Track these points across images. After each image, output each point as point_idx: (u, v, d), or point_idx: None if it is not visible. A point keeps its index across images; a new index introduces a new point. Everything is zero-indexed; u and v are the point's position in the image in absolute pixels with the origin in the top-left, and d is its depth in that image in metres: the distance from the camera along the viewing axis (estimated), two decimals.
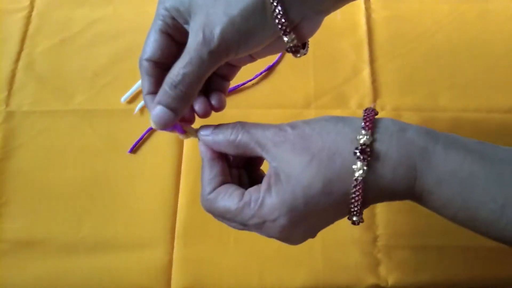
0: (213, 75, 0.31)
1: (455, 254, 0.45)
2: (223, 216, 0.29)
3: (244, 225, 0.29)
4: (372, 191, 0.26)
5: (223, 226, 0.46)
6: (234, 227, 0.30)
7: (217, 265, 0.45)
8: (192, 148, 0.50)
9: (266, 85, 0.53)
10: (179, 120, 0.29)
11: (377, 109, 0.52)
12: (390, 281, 0.45)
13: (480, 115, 0.51)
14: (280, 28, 0.27)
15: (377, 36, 0.56)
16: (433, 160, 0.25)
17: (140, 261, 0.45)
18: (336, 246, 0.46)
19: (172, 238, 0.46)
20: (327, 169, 0.26)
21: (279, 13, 0.26)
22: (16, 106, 0.52)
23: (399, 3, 0.58)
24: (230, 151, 0.30)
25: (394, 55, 0.55)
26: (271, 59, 0.54)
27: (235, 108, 0.52)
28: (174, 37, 0.29)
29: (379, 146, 0.26)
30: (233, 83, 0.52)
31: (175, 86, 0.27)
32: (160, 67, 0.29)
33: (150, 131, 0.50)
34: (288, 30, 0.27)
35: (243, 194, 0.28)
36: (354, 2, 0.57)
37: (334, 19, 0.56)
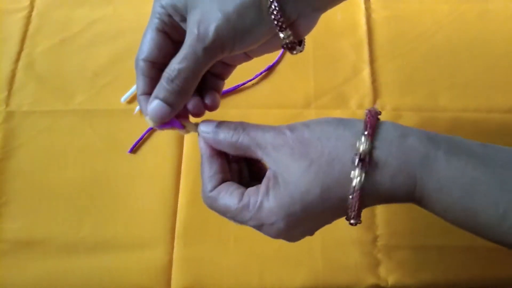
0: (208, 73, 0.31)
1: (455, 254, 0.45)
2: (223, 214, 0.29)
3: (243, 224, 0.29)
4: (370, 197, 0.26)
5: (223, 226, 0.47)
6: (235, 223, 0.30)
7: (217, 265, 0.45)
8: (192, 148, 0.50)
9: (266, 85, 0.53)
10: (174, 116, 0.29)
11: (377, 109, 0.52)
12: (390, 281, 0.45)
13: (480, 115, 0.51)
14: (276, 24, 0.27)
15: (377, 36, 0.56)
16: (434, 166, 0.25)
17: (140, 261, 0.45)
18: (336, 246, 0.46)
19: (172, 238, 0.46)
20: (326, 175, 0.26)
21: (275, 9, 0.26)
22: (16, 106, 0.52)
23: (399, 3, 0.58)
24: (230, 151, 0.30)
25: (394, 55, 0.55)
26: (271, 59, 0.54)
27: (235, 108, 0.52)
28: (171, 35, 0.29)
29: (378, 154, 0.26)
30: (233, 83, 0.53)
31: (171, 80, 0.27)
32: (156, 67, 0.29)
33: (150, 131, 0.50)
34: (284, 27, 0.27)
35: (242, 195, 0.28)
36: (354, 2, 0.57)
37: (334, 19, 0.56)
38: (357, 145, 0.26)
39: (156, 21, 0.28)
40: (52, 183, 0.49)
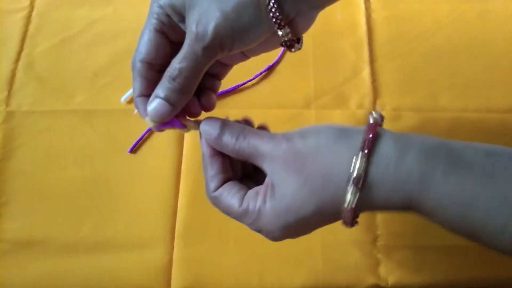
0: (204, 74, 0.31)
1: (455, 254, 0.45)
2: (227, 214, 0.30)
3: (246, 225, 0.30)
4: (364, 210, 0.26)
5: (223, 226, 0.47)
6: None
7: (217, 265, 0.45)
8: (192, 148, 0.50)
9: (266, 85, 0.53)
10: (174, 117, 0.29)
11: (377, 109, 0.52)
12: (390, 281, 0.45)
13: (480, 115, 0.51)
14: (274, 22, 0.27)
15: (377, 36, 0.56)
16: (431, 185, 0.25)
17: (140, 261, 0.45)
18: (336, 246, 0.46)
19: (172, 238, 0.46)
20: (321, 191, 0.26)
21: (273, 7, 0.26)
22: (16, 106, 0.52)
23: (399, 3, 0.58)
24: (231, 155, 0.29)
25: (394, 55, 0.55)
26: (271, 59, 0.54)
27: (235, 108, 0.52)
28: (169, 36, 0.29)
29: (374, 174, 0.25)
30: (233, 83, 0.52)
31: (173, 79, 0.27)
32: (154, 69, 0.29)
33: (150, 131, 0.50)
34: (282, 24, 0.27)
35: (242, 199, 0.28)
36: (354, 2, 0.57)
37: (334, 19, 0.56)
38: (353, 164, 0.25)
39: (154, 21, 0.28)
40: (52, 183, 0.49)
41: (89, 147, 0.50)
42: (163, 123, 0.29)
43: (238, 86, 0.53)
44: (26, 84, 0.53)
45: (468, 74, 0.54)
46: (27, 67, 0.54)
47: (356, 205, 0.25)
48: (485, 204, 0.24)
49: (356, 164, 0.25)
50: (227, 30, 0.26)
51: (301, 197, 0.26)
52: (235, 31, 0.27)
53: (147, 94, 0.29)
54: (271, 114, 0.51)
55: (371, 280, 0.45)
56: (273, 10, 0.26)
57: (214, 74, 0.33)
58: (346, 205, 0.25)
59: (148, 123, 0.29)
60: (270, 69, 0.54)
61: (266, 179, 0.28)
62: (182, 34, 0.28)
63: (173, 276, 0.45)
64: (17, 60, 0.54)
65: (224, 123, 0.29)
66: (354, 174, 0.25)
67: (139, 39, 0.29)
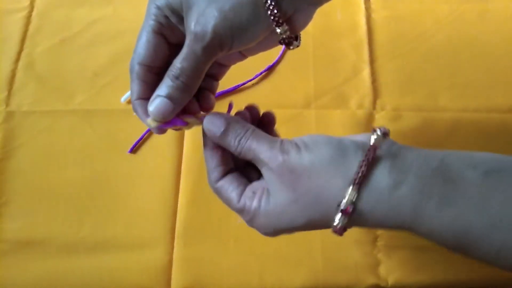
0: None
1: (455, 254, 0.45)
2: (227, 205, 0.30)
3: None
4: (356, 227, 0.27)
5: (223, 226, 0.47)
6: None
7: (217, 265, 0.45)
8: (192, 148, 0.50)
9: (266, 85, 0.53)
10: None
11: (377, 109, 0.52)
12: (390, 281, 0.45)
13: (480, 115, 0.51)
14: (272, 20, 0.27)
15: (377, 36, 0.56)
16: (424, 216, 0.25)
17: (140, 261, 0.45)
18: (336, 246, 0.46)
19: (172, 238, 0.46)
20: (312, 210, 0.27)
21: (271, 4, 0.26)
22: (16, 106, 0.52)
23: (399, 3, 0.58)
24: (233, 153, 0.30)
25: (394, 55, 0.55)
26: (271, 59, 0.54)
27: (235, 108, 0.51)
28: (167, 37, 0.29)
29: (364, 204, 0.25)
30: (233, 83, 0.52)
31: (176, 77, 0.27)
32: (152, 71, 0.29)
33: (150, 131, 0.50)
34: (280, 22, 0.27)
35: (240, 196, 0.29)
36: (354, 2, 0.57)
37: (334, 19, 0.57)
38: (343, 193, 0.25)
39: (152, 22, 0.28)
40: (52, 183, 0.49)
41: (89, 147, 0.50)
42: (164, 122, 0.29)
43: (238, 86, 0.53)
44: (26, 84, 0.53)
45: (468, 74, 0.54)
46: (27, 67, 0.54)
47: (346, 225, 0.26)
48: (479, 231, 0.24)
49: (346, 195, 0.25)
50: (226, 29, 0.26)
51: (293, 211, 0.27)
52: (234, 30, 0.27)
53: (145, 97, 0.29)
54: None
55: (371, 280, 0.45)
56: (271, 7, 0.26)
57: (211, 75, 0.33)
58: (335, 224, 0.26)
59: (149, 125, 0.29)
60: (270, 69, 0.54)
61: (264, 182, 0.29)
62: (180, 36, 0.28)
63: (173, 276, 0.45)
64: (17, 60, 0.54)
65: (227, 123, 0.29)
66: (343, 206, 0.25)
67: (137, 40, 0.29)
